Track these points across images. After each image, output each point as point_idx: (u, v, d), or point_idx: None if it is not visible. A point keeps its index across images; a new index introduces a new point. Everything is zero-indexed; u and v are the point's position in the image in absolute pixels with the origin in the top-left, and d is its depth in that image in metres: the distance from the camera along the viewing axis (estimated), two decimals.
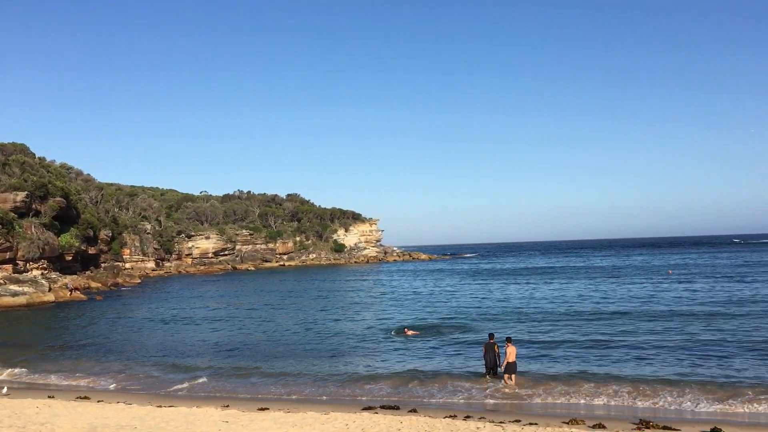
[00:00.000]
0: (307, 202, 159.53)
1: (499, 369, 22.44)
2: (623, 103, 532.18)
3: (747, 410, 17.96)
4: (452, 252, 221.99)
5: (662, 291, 52.65)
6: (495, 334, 24.39)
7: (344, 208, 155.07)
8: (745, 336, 29.21)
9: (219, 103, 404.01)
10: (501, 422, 16.80)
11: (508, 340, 22.67)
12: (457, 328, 35.61)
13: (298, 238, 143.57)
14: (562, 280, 70.80)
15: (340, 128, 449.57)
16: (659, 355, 25.59)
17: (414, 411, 18.75)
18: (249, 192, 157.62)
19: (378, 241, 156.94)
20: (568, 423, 16.77)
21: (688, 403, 18.84)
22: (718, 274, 71.07)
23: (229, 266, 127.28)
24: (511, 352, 22.00)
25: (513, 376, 21.96)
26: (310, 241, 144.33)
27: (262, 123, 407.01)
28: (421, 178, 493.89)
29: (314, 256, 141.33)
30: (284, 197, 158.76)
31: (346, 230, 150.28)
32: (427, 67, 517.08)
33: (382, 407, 19.42)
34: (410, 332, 33.89)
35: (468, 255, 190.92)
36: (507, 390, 21.32)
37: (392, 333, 34.29)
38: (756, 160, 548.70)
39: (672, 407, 18.59)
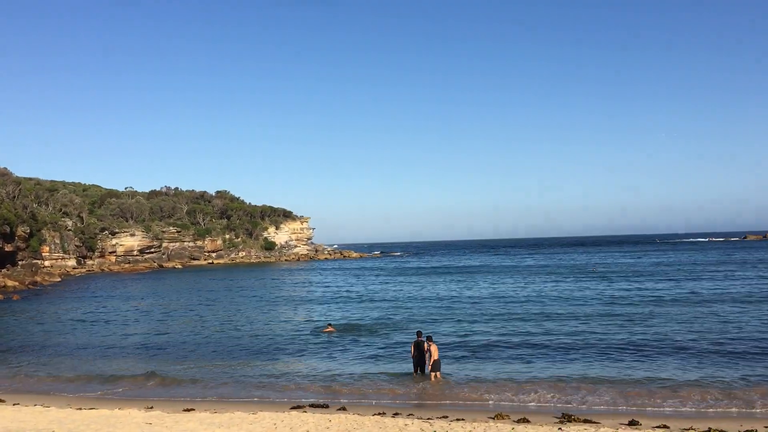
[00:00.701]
0: (237, 199, 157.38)
1: (426, 367, 22.71)
2: (541, 101, 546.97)
3: (661, 407, 18.65)
4: (382, 250, 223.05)
5: (587, 290, 54.25)
6: (423, 332, 24.63)
7: (275, 206, 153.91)
8: (662, 334, 30.48)
9: (144, 98, 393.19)
10: (429, 418, 17.01)
11: (429, 339, 22.94)
12: (385, 326, 35.84)
13: (227, 236, 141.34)
14: (491, 279, 72.16)
15: (271, 124, 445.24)
16: (583, 354, 26.35)
17: (343, 409, 18.76)
18: (176, 188, 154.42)
19: (309, 239, 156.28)
20: (494, 418, 17.12)
21: (608, 397, 19.47)
22: (640, 273, 73.89)
23: (156, 264, 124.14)
24: (433, 351, 22.33)
25: (438, 373, 22.28)
26: (239, 239, 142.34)
27: (190, 119, 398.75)
28: (353, 176, 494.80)
29: (244, 254, 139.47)
30: (213, 194, 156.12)
31: (277, 228, 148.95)
32: (364, 59, 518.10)
33: (312, 406, 19.36)
34: (332, 330, 34.06)
35: (398, 253, 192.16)
36: (433, 388, 21.58)
37: (322, 332, 34.22)
38: (663, 166, 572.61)
39: (595, 405, 18.99)
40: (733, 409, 17.93)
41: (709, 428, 14.93)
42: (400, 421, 16.70)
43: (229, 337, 33.75)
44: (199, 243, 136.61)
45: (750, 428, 15.06)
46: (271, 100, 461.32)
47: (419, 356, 22.97)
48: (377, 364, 25.77)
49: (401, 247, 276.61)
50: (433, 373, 22.27)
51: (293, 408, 19.02)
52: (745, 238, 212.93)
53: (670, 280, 61.61)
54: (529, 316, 38.38)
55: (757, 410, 17.74)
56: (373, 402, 20.11)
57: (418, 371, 23.04)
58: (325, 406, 19.24)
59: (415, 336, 24.06)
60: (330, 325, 35.25)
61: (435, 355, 22.33)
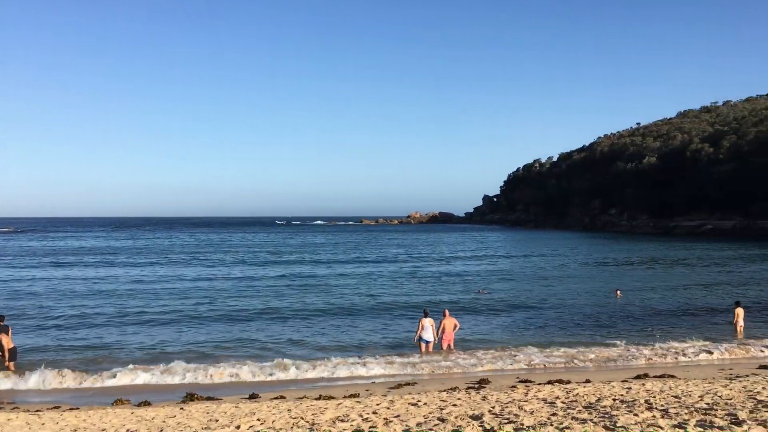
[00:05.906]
0: None
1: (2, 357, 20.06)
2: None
3: (283, 381, 19.37)
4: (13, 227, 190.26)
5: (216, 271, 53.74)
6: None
7: None
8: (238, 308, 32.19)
9: None
10: (37, 411, 15.53)
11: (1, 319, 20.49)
12: None
13: None
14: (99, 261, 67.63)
15: None
16: (187, 327, 26.54)
17: None
18: None
19: None
20: (112, 404, 16.26)
21: (232, 374, 19.61)
22: (281, 251, 78.06)
23: None
24: (4, 342, 19.90)
25: (12, 363, 19.85)
26: None
27: None
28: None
29: None
30: None
31: None
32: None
33: None
34: None
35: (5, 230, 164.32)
36: (21, 379, 19.09)
37: None
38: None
39: (219, 381, 19.01)
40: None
41: (319, 395, 16.49)
42: (2, 416, 14.96)
43: None
44: None
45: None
46: None
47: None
48: None
49: (19, 223, 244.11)
50: (11, 363, 19.76)
51: None
52: (361, 222, 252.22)
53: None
54: (127, 294, 37.16)
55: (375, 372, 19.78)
56: None
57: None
58: None
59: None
60: None
61: (10, 343, 19.94)
